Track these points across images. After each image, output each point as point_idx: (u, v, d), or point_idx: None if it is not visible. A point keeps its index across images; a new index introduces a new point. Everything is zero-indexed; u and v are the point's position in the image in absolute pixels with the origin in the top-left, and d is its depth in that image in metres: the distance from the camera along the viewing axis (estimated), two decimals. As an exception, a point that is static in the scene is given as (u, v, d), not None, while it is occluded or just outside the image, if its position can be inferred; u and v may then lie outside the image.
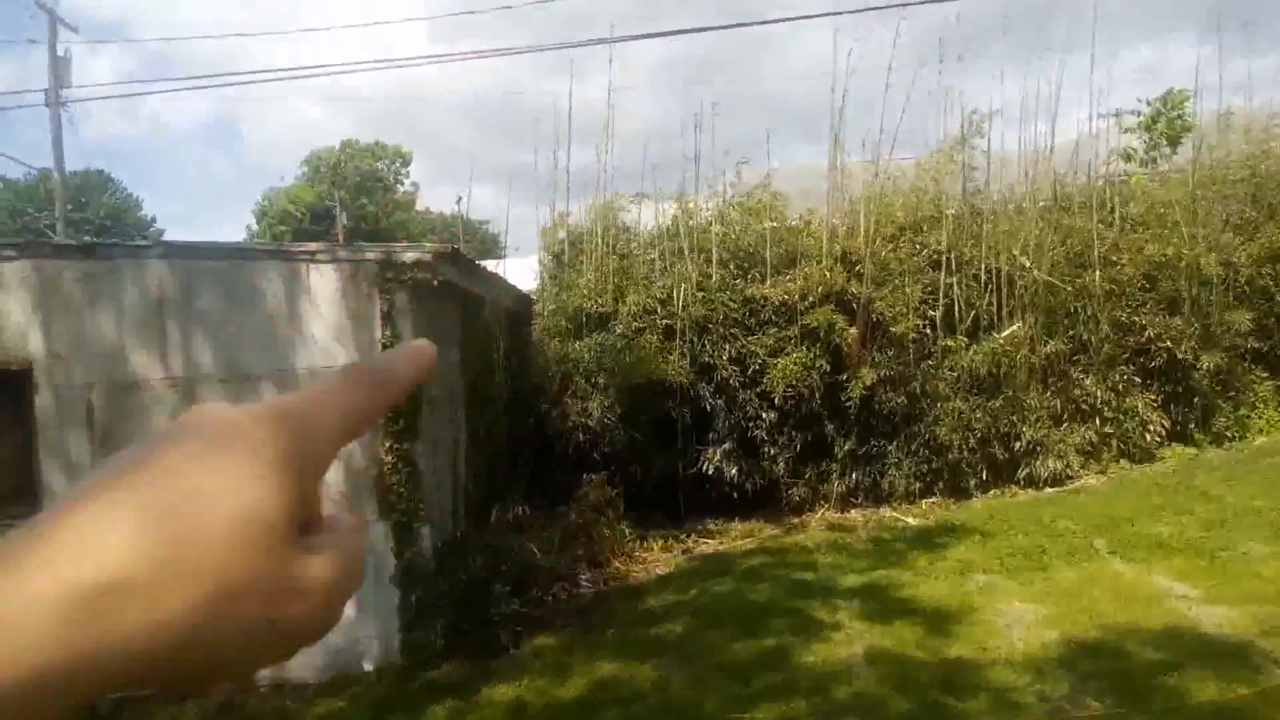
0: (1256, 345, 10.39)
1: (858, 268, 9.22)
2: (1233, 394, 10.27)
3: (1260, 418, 10.30)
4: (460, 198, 16.27)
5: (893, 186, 10.30)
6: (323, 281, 5.94)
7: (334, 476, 4.90)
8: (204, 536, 0.34)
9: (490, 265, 9.52)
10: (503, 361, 8.21)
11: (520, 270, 11.01)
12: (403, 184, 50.84)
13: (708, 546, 8.33)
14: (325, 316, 5.92)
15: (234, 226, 64.83)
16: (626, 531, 7.95)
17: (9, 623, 0.31)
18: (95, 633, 0.32)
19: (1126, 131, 13.80)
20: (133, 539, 0.33)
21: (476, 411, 7.52)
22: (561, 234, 10.56)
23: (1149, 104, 14.09)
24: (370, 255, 6.02)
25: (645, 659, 5.54)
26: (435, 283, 6.08)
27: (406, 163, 50.24)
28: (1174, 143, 12.69)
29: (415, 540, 5.90)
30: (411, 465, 5.85)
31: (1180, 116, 12.84)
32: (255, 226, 46.20)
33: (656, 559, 7.93)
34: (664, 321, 9.19)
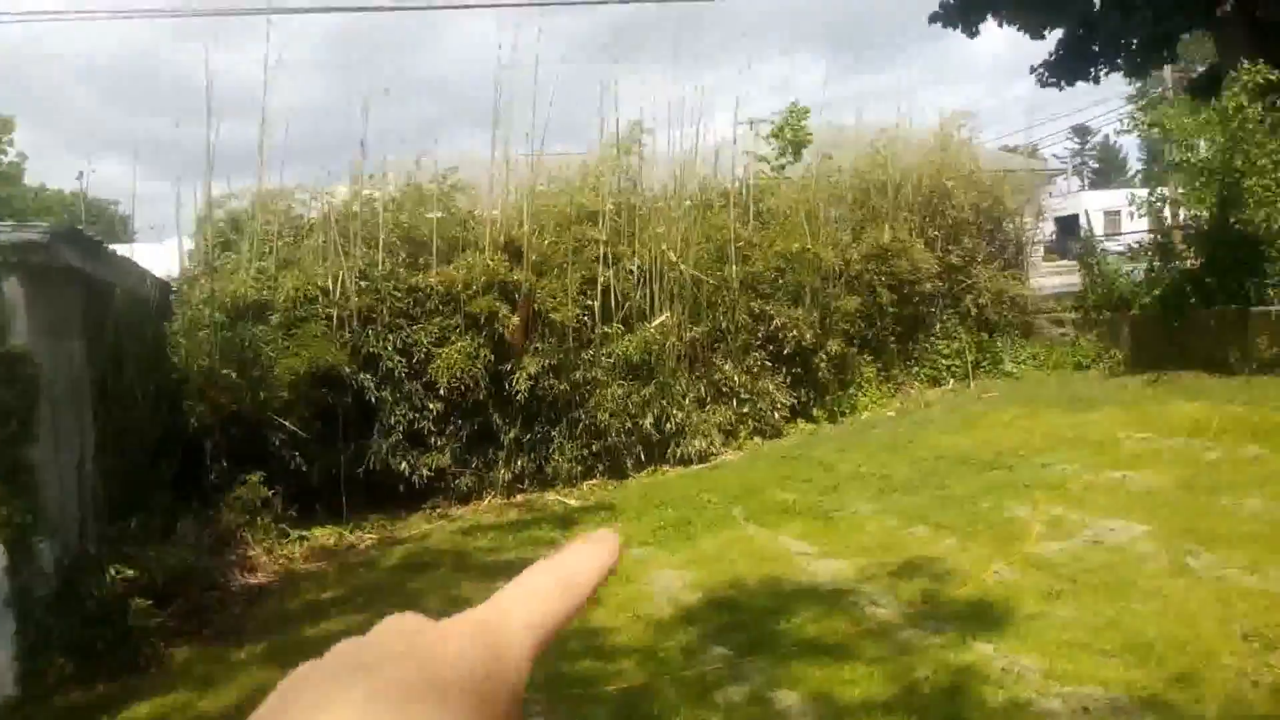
0: (863, 332, 12.03)
1: (521, 257, 9.46)
2: (845, 375, 11.81)
3: (866, 395, 11.94)
4: (82, 173, 14.47)
5: (555, 180, 10.69)
6: (-96, 266, 5.10)
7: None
8: None
9: (122, 249, 8.63)
10: (140, 354, 7.50)
11: (159, 255, 10.06)
12: (5, 154, 44.25)
13: (371, 540, 8.19)
14: (-91, 307, 5.10)
15: None
16: (285, 532, 7.61)
17: None
18: None
19: (760, 139, 15.30)
20: None
21: (109, 409, 6.82)
22: (218, 215, 9.82)
23: (777, 115, 15.69)
24: (-32, 237, 5.27)
25: (300, 662, 5.35)
26: (52, 267, 5.44)
27: (9, 130, 43.76)
28: (797, 151, 14.24)
29: (33, 557, 5.26)
30: (27, 472, 5.21)
31: (801, 128, 14.42)
32: None
33: (316, 558, 7.67)
34: (326, 310, 8.87)
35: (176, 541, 6.49)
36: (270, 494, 7.51)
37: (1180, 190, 11.58)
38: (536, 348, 9.30)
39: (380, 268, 9.21)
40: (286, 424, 8.16)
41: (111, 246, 7.47)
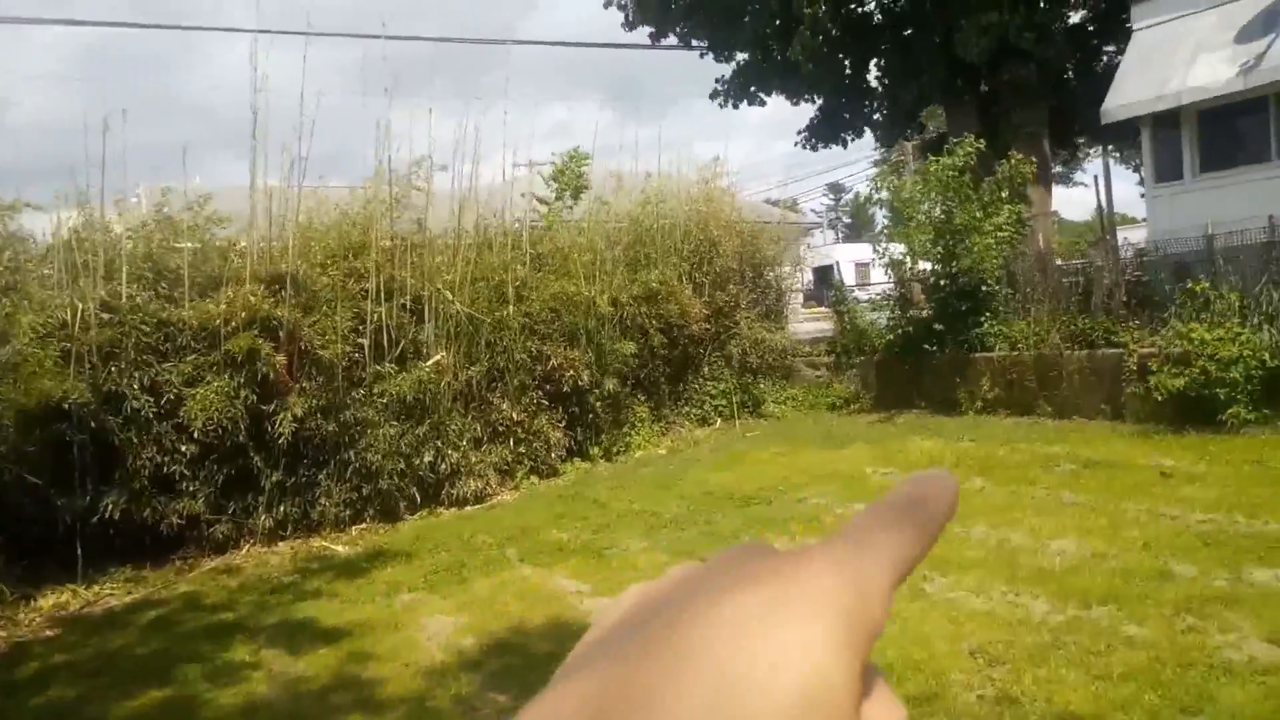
0: (637, 373, 12.39)
1: (285, 292, 9.04)
2: (620, 415, 12.08)
3: (639, 434, 12.27)
4: None
5: (324, 212, 10.33)
6: None
7: None
8: (772, 711, 0.28)
9: None
10: None
11: None
12: None
13: (112, 596, 7.48)
14: None
15: None
16: (5, 591, 6.81)
17: None
18: None
19: (541, 181, 15.51)
20: (701, 717, 0.28)
21: None
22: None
23: (558, 158, 16.00)
24: None
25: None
26: None
27: None
28: (576, 195, 14.55)
29: None
30: None
31: (581, 173, 14.77)
32: None
33: (45, 618, 6.91)
34: (63, 344, 8.08)
35: None
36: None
37: (913, 247, 12.80)
38: (303, 387, 8.89)
39: (125, 300, 8.51)
40: (11, 470, 7.35)
41: None
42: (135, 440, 8.19)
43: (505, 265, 11.11)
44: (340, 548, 8.64)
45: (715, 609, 0.30)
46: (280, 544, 8.82)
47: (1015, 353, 11.63)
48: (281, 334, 8.83)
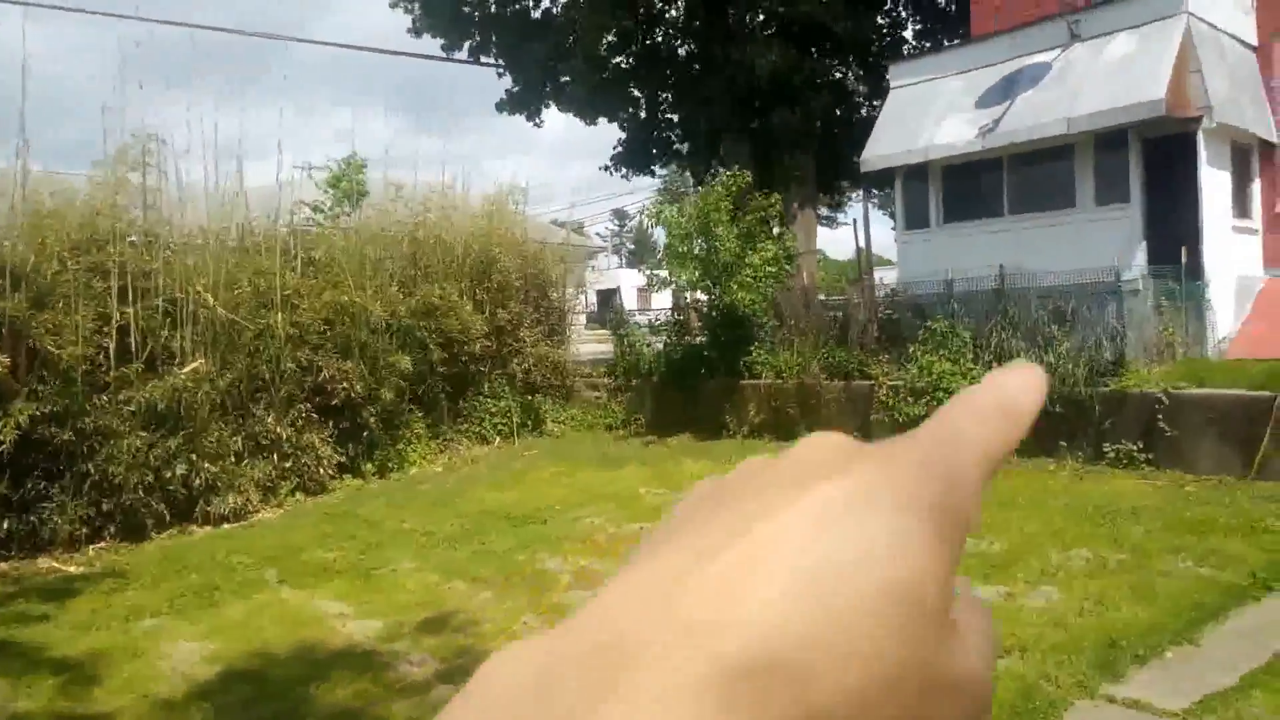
0: (414, 387, 12.08)
1: (13, 285, 8.15)
2: (395, 430, 11.73)
3: (415, 450, 11.96)
4: None
5: (66, 201, 9.40)
6: None
7: None
8: (856, 609, 0.26)
9: None
10: None
11: None
12: None
13: None
14: None
15: None
16: None
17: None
18: None
19: (316, 185, 14.88)
20: (782, 607, 0.25)
21: None
22: None
23: (336, 163, 15.43)
24: None
25: None
26: None
27: None
28: (354, 202, 14.08)
29: None
30: None
31: (360, 180, 14.31)
32: None
33: None
34: None
35: None
36: None
37: (684, 277, 13.28)
38: (34, 390, 8.03)
39: None
40: None
41: None
42: None
43: (273, 270, 10.54)
44: (73, 568, 7.84)
45: (796, 499, 0.28)
46: (1, 564, 7.89)
47: (780, 381, 12.29)
48: (3, 330, 7.94)
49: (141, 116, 9.76)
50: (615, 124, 19.55)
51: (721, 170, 14.70)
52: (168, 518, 8.91)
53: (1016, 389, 0.34)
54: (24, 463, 8.08)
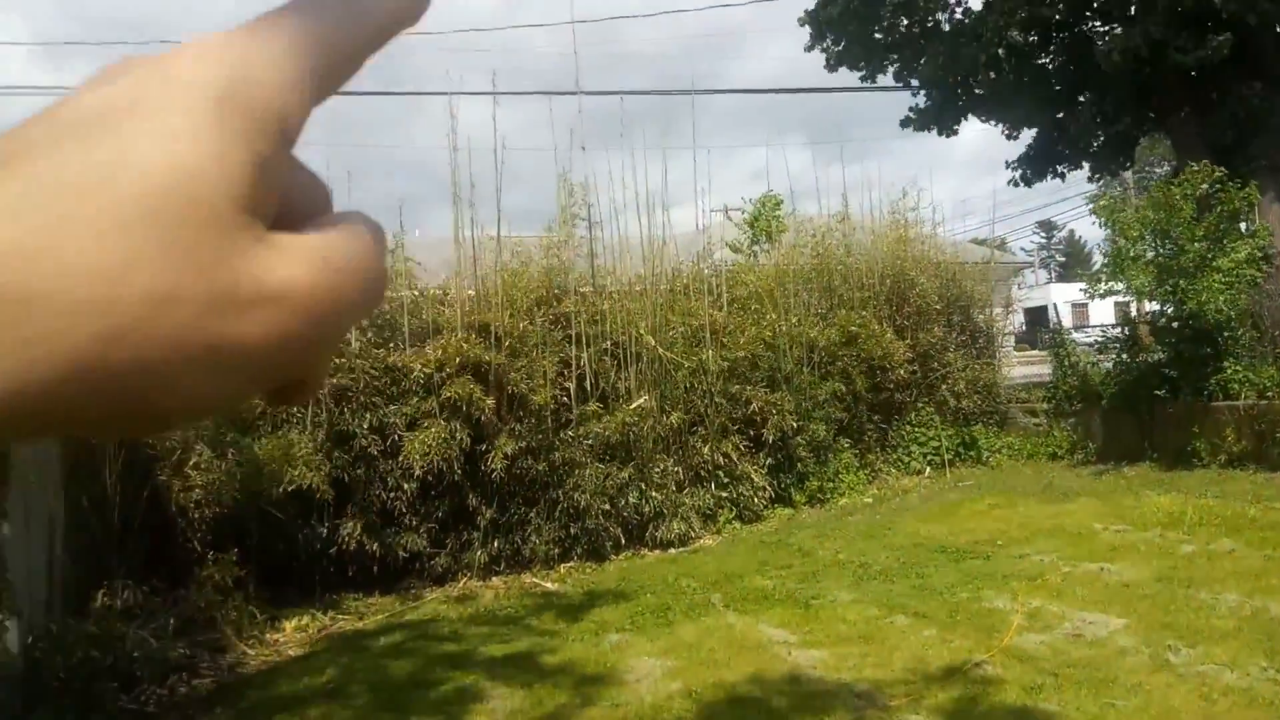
0: (841, 417, 12.09)
1: (493, 339, 9.44)
2: (824, 460, 11.81)
3: (844, 481, 11.93)
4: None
5: (526, 261, 10.77)
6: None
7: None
8: (106, 217, 0.24)
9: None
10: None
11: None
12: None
13: (346, 623, 7.96)
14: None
15: None
16: (256, 613, 7.39)
17: None
18: None
19: (734, 226, 15.61)
20: (31, 233, 0.23)
21: (79, 483, 6.67)
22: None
23: (752, 202, 16.06)
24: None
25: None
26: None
27: None
28: (770, 238, 14.53)
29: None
30: (-5, 549, 5.06)
31: (776, 216, 14.75)
32: None
33: (289, 640, 7.42)
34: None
35: (144, 622, 6.29)
36: (243, 573, 7.32)
37: (1135, 287, 11.86)
38: (513, 428, 9.24)
39: (355, 345, 9.16)
40: (258, 502, 8.01)
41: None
42: (364, 477, 8.75)
43: (701, 310, 11.19)
44: (550, 584, 8.84)
45: (64, 109, 0.26)
46: (494, 578, 9.12)
47: (1265, 401, 10.52)
48: (490, 378, 9.23)
49: (584, 176, 10.83)
50: (1033, 129, 18.14)
51: (1165, 164, 12.97)
52: (623, 541, 9.74)
53: None
54: (508, 491, 9.30)
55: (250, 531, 7.96)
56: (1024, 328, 23.46)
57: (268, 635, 7.42)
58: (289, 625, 7.69)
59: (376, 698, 5.93)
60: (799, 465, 11.40)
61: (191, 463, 7.56)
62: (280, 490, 8.03)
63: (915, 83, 18.02)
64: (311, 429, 8.54)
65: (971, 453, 13.20)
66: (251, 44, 0.28)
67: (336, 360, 8.87)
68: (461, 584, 8.99)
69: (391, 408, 8.96)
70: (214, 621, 6.84)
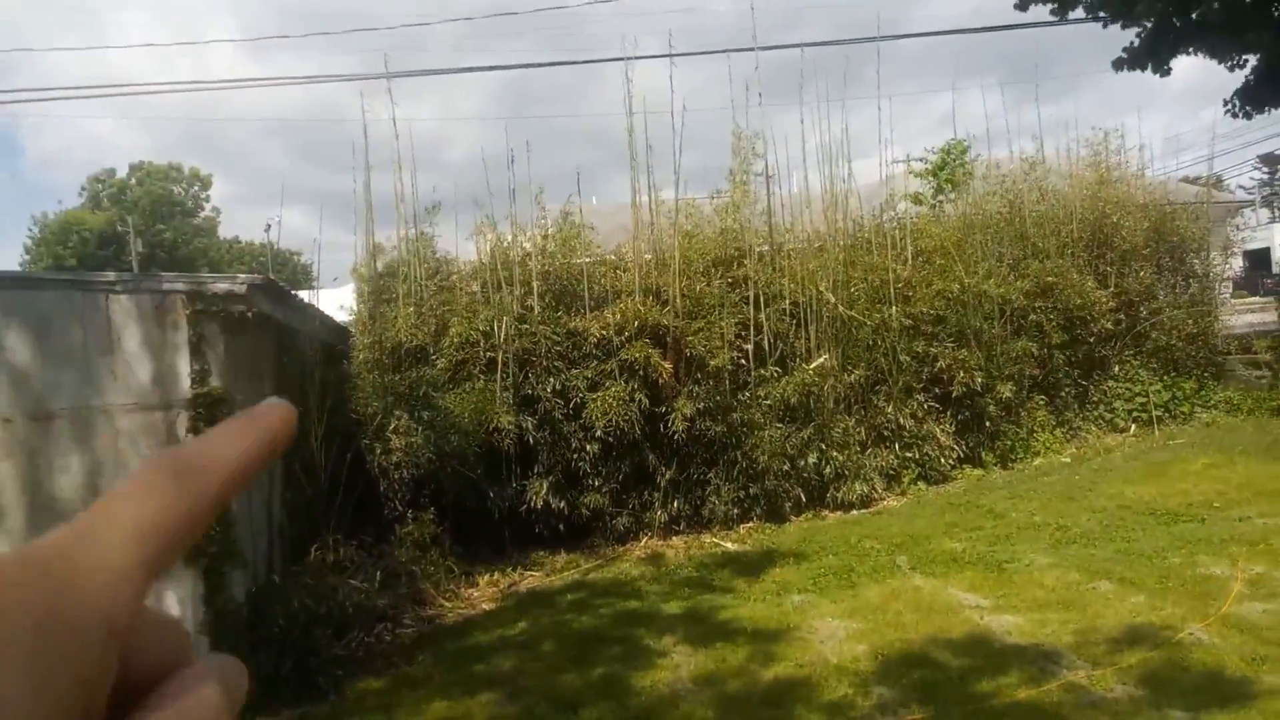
0: (1034, 373, 11.46)
1: (670, 303, 9.47)
2: (1016, 418, 11.24)
3: (1038, 440, 11.32)
4: (270, 225, 15.55)
5: (700, 222, 10.71)
6: (123, 312, 5.58)
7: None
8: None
9: (307, 295, 9.20)
10: (319, 395, 7.93)
11: (336, 300, 10.68)
12: (203, 208, 48.27)
13: (534, 579, 8.30)
14: (127, 350, 5.57)
15: (8, 251, 59.25)
16: (453, 568, 7.83)
17: None
18: None
19: (916, 176, 14.98)
20: None
21: (292, 447, 7.21)
22: (379, 265, 10.30)
23: (935, 152, 15.37)
24: (179, 286, 5.72)
25: (473, 696, 5.46)
26: (249, 314, 5.84)
27: (206, 186, 47.75)
28: (956, 187, 13.86)
29: (226, 586, 5.60)
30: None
31: (961, 164, 14.04)
32: (31, 250, 42.66)
33: (482, 594, 7.83)
34: (487, 354, 9.15)
35: (353, 575, 6.78)
36: (439, 531, 7.75)
37: None
38: (691, 390, 9.28)
39: (535, 313, 9.42)
40: (451, 464, 8.43)
41: (298, 293, 7.95)
42: (548, 439, 9.04)
43: (884, 265, 10.82)
44: (730, 545, 8.88)
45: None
46: (674, 538, 9.26)
47: None
48: (668, 341, 9.28)
49: (762, 132, 10.63)
50: (1253, 58, 16.28)
51: None
52: (803, 501, 9.64)
53: (214, 443, 0.31)
54: (687, 452, 9.37)
55: (445, 491, 8.40)
56: (1244, 272, 21.38)
57: (462, 589, 7.84)
58: (482, 580, 8.10)
59: (564, 651, 6.15)
60: (988, 424, 10.90)
61: (391, 427, 8.03)
62: (474, 448, 8.41)
63: (1107, 15, 16.60)
64: (500, 391, 8.88)
65: (1183, 408, 12.21)
66: (78, 550, 0.28)
67: (521, 327, 9.17)
68: (643, 543, 9.17)
69: (574, 371, 9.19)
70: (414, 575, 7.29)
